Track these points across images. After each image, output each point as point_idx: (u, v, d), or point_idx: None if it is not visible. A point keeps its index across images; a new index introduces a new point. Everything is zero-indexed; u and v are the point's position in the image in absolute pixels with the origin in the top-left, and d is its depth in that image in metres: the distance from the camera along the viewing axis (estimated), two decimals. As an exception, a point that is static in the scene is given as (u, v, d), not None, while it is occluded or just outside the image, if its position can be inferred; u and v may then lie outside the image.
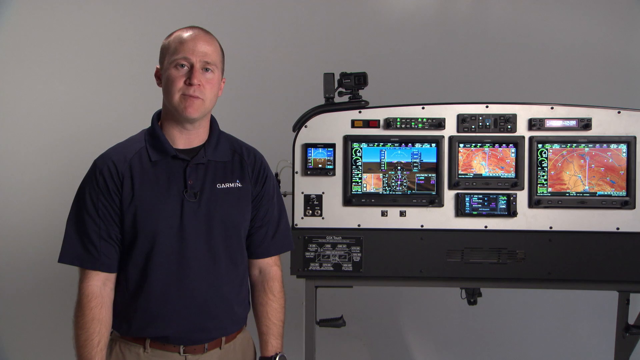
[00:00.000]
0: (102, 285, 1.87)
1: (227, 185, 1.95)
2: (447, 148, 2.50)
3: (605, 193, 2.48)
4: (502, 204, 2.49)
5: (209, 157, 1.94)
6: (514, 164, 2.50)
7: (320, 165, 2.51)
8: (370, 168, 2.51)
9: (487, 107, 2.50)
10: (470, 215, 2.49)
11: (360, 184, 2.51)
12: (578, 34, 3.79)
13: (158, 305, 1.87)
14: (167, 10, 3.77)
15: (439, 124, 2.49)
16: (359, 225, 2.51)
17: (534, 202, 2.48)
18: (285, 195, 2.58)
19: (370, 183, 2.51)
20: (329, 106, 2.53)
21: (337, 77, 2.54)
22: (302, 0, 3.86)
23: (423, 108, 2.51)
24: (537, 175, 2.49)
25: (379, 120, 2.51)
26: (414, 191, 2.51)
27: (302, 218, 2.51)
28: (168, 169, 1.90)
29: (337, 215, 2.51)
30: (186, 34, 1.89)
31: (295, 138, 2.53)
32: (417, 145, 2.51)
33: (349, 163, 2.50)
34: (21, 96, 3.77)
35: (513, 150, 2.50)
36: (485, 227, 2.49)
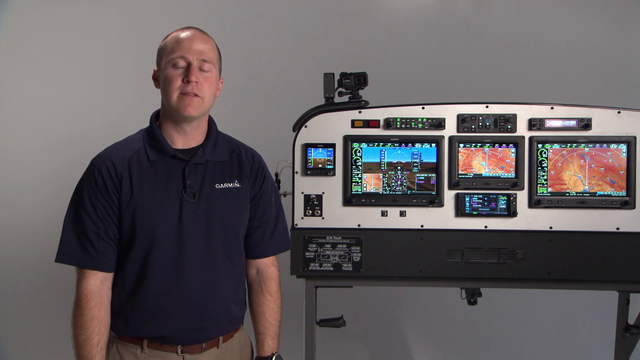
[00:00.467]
0: (100, 285, 1.86)
1: (226, 185, 1.95)
2: (447, 148, 2.50)
3: (605, 193, 2.48)
4: (502, 204, 2.49)
5: (207, 157, 1.93)
6: (514, 164, 2.50)
7: (320, 165, 2.51)
8: (370, 168, 2.51)
9: (487, 107, 2.50)
10: (470, 215, 2.49)
11: (360, 184, 2.51)
12: (578, 34, 3.79)
13: (156, 304, 1.87)
14: (167, 11, 3.77)
15: (439, 124, 2.49)
16: (359, 225, 2.51)
17: (534, 202, 2.48)
18: (285, 195, 2.58)
19: (370, 183, 2.51)
20: (329, 106, 2.53)
21: (337, 77, 2.54)
22: (302, 1, 3.87)
23: (423, 108, 2.51)
24: (537, 175, 2.49)
25: (379, 120, 2.51)
26: (414, 191, 2.51)
27: (302, 218, 2.51)
28: (167, 169, 1.89)
29: (337, 215, 2.51)
30: (182, 34, 1.89)
31: (295, 138, 2.53)
32: (417, 145, 2.51)
33: (349, 163, 2.50)
34: (18, 97, 3.77)
35: (513, 150, 2.50)
36: (485, 227, 2.49)
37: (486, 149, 2.50)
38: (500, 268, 2.48)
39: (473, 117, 2.49)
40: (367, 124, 2.51)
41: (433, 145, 2.51)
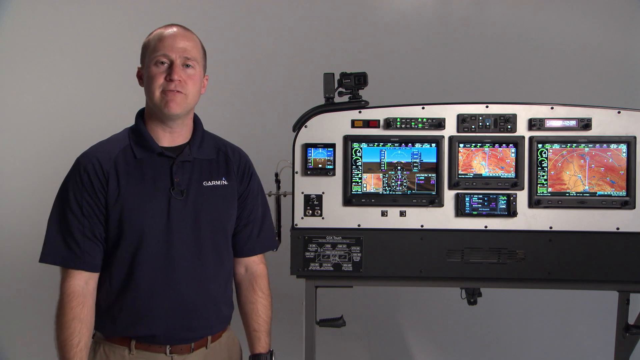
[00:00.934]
0: (84, 285, 1.83)
1: (214, 182, 1.94)
2: (447, 148, 2.50)
3: (605, 193, 2.48)
4: (502, 204, 2.49)
5: (194, 155, 1.92)
6: (514, 164, 2.50)
7: (320, 165, 2.51)
8: (370, 168, 2.51)
9: (487, 107, 2.50)
10: (470, 215, 2.49)
11: (360, 184, 2.51)
12: (578, 34, 3.80)
13: (144, 303, 1.85)
14: (167, 12, 3.77)
15: (439, 124, 2.49)
16: (359, 225, 2.51)
17: (534, 202, 2.48)
18: (285, 195, 2.58)
19: (370, 183, 2.51)
20: (329, 106, 2.53)
21: (337, 77, 2.54)
22: (302, 1, 3.87)
23: (423, 108, 2.51)
24: (537, 175, 2.49)
25: (379, 120, 2.51)
26: (414, 191, 2.51)
27: (302, 218, 2.51)
28: (154, 167, 1.88)
29: (337, 215, 2.51)
30: (166, 32, 1.88)
31: (295, 138, 2.53)
32: (417, 145, 2.51)
33: (349, 163, 2.50)
34: (12, 100, 3.77)
35: (513, 150, 2.50)
36: (485, 227, 2.49)
37: (486, 149, 2.50)
38: (500, 268, 2.48)
39: (473, 117, 2.49)
40: (367, 124, 2.51)
41: (433, 145, 2.51)
